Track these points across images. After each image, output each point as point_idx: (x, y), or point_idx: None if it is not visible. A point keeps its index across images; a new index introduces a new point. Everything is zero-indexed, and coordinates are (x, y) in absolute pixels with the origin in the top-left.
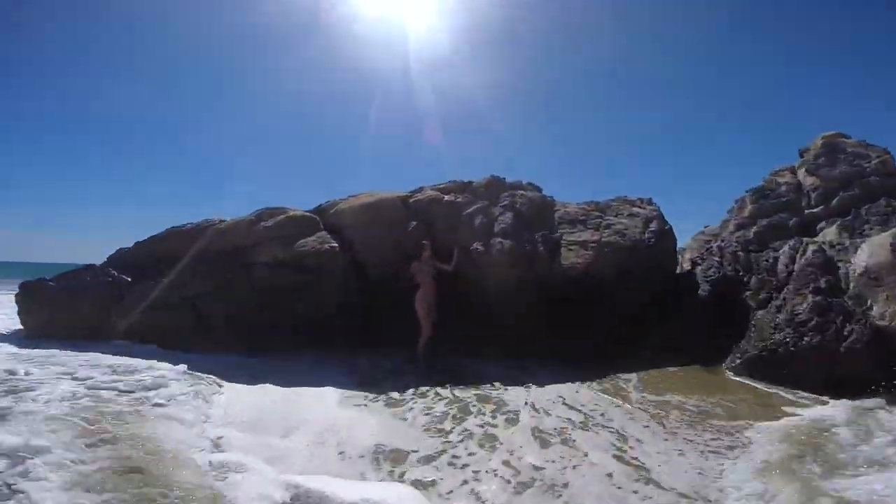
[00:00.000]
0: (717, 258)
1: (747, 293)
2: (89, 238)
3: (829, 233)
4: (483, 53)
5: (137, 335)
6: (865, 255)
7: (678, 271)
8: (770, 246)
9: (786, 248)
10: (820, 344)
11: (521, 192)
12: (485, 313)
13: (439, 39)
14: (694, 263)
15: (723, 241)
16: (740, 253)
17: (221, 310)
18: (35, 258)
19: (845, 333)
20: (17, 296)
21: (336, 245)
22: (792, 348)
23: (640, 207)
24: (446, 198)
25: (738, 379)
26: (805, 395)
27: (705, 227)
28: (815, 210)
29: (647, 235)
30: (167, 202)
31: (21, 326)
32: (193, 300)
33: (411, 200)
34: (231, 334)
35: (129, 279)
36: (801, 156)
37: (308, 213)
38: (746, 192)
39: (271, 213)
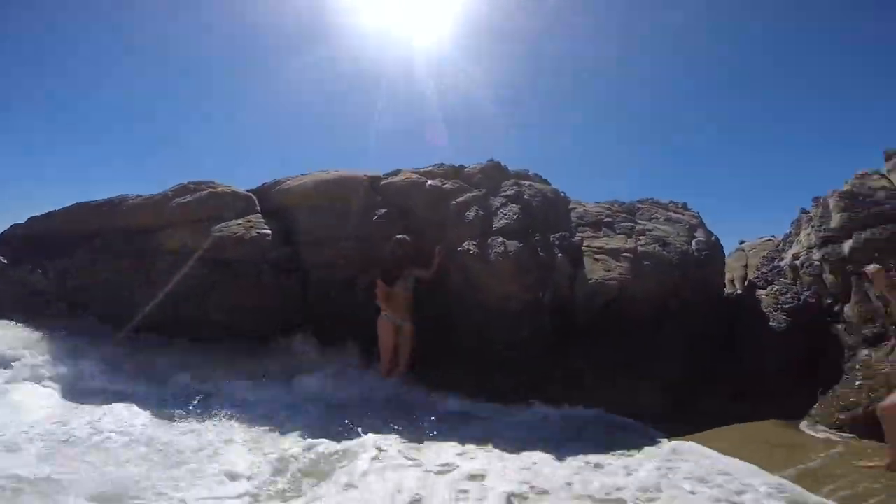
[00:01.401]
0: (787, 280)
1: (840, 326)
2: None
3: None
4: (486, 50)
5: None
6: None
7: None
8: None
9: None
10: None
11: (529, 182)
12: (470, 344)
13: (442, 37)
14: (752, 286)
15: (796, 258)
16: (828, 276)
17: (105, 310)
18: None
19: None
20: None
21: (268, 232)
22: None
23: (676, 212)
24: (430, 182)
25: (845, 438)
26: None
27: (742, 241)
28: None
29: (695, 247)
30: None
31: None
32: (74, 294)
33: (382, 183)
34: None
35: (6, 261)
36: (889, 159)
37: (244, 191)
38: (814, 199)
39: (193, 187)
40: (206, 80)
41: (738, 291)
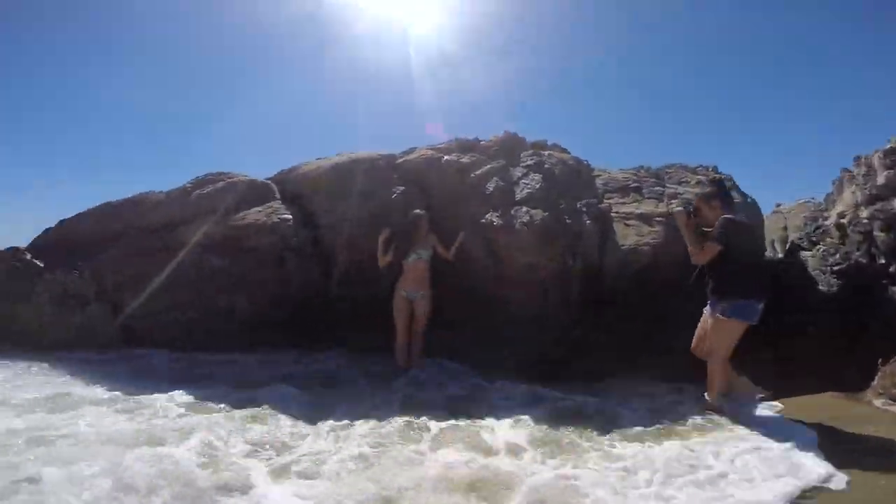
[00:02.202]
0: (834, 240)
1: (895, 288)
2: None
3: None
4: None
5: (48, 339)
6: None
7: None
8: None
9: None
10: None
11: (548, 152)
12: (495, 319)
13: (442, 32)
14: (795, 248)
15: (842, 216)
16: (878, 233)
17: (142, 307)
18: None
19: None
20: None
21: (289, 218)
22: None
23: (706, 175)
24: (446, 157)
25: None
26: None
27: (778, 204)
28: None
29: None
30: None
31: None
32: (112, 295)
33: (398, 161)
34: (160, 338)
35: (42, 265)
36: None
37: (262, 180)
38: (856, 158)
39: (212, 178)
40: (220, 81)
41: (780, 255)
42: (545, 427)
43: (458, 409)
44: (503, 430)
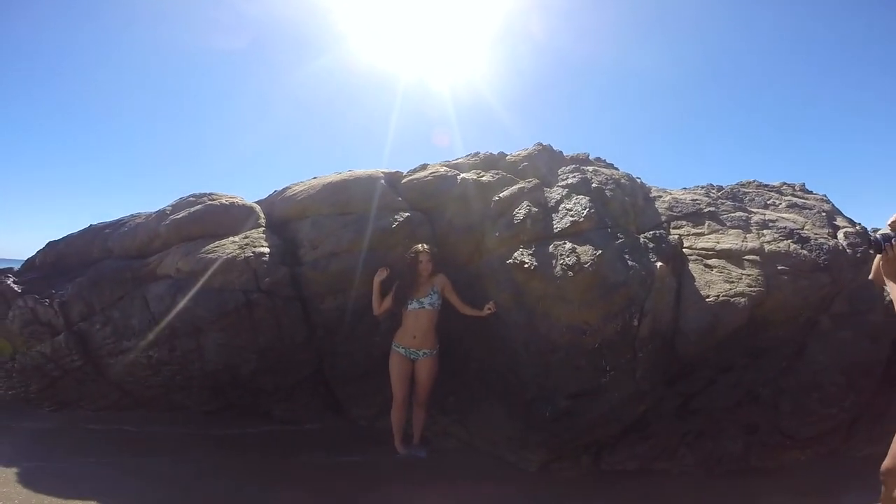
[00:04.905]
0: None
1: None
2: None
3: None
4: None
5: (14, 377)
6: None
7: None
8: None
9: None
10: None
11: (594, 167)
12: (518, 391)
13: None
14: None
15: None
16: None
17: (112, 351)
18: None
19: None
20: None
21: (265, 251)
22: None
23: (797, 196)
24: (462, 175)
25: None
26: None
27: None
28: None
29: (844, 241)
30: None
31: None
32: (80, 330)
33: (405, 181)
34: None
35: (19, 289)
36: None
37: (245, 202)
38: None
39: (193, 200)
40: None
41: None
42: None
43: None
44: None
